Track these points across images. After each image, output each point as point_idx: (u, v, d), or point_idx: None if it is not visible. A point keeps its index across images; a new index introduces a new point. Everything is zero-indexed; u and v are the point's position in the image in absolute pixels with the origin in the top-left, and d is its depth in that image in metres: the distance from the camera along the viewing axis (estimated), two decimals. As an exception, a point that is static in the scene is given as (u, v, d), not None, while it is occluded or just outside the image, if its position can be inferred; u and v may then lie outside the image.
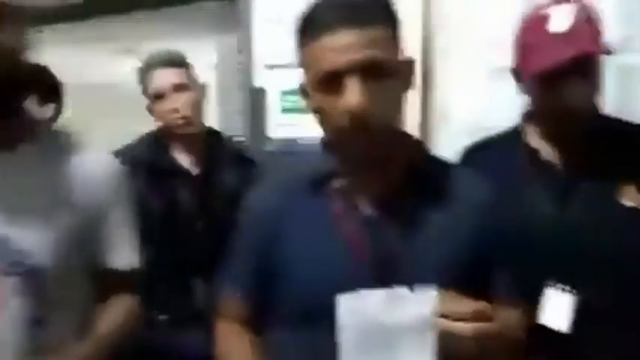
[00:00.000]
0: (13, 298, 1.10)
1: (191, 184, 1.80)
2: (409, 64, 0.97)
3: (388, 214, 0.96)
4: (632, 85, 1.74)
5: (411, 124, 1.97)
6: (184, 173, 1.82)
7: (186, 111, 1.77)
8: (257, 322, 1.07)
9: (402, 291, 0.84)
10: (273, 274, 1.01)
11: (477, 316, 0.80)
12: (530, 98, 1.36)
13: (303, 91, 1.00)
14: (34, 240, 1.09)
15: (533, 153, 1.35)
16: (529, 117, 1.40)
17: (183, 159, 1.84)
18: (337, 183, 0.98)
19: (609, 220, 1.26)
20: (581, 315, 1.25)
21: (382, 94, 0.87)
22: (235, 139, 2.15)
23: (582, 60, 1.21)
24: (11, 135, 1.13)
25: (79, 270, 1.20)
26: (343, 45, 0.85)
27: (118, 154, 1.80)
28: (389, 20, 0.92)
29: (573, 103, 1.23)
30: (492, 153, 1.43)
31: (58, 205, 1.13)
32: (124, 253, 1.25)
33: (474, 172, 1.12)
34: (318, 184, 0.99)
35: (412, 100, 1.97)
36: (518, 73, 1.35)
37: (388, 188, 0.97)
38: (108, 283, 1.26)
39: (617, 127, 1.37)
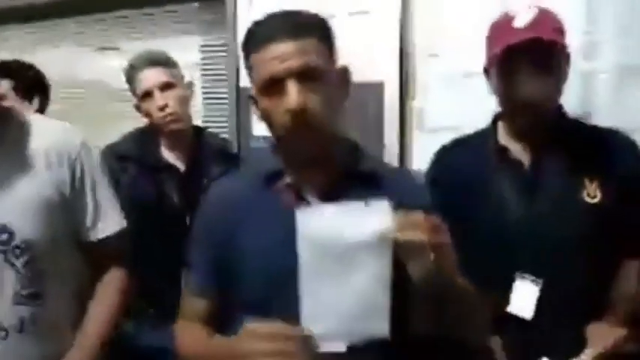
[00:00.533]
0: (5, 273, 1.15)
1: (178, 180, 1.85)
2: (344, 72, 1.10)
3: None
4: (595, 91, 1.83)
5: (389, 127, 2.06)
6: (171, 169, 1.87)
7: (173, 108, 1.82)
8: (216, 316, 1.13)
9: (356, 204, 0.87)
10: (230, 264, 1.08)
11: (431, 227, 0.86)
12: (495, 94, 1.43)
13: (252, 99, 1.11)
14: (15, 216, 1.15)
15: (502, 151, 1.42)
16: (499, 117, 1.48)
17: (171, 155, 1.89)
18: (287, 179, 1.09)
19: (573, 215, 1.34)
20: (544, 302, 1.33)
21: (318, 96, 0.99)
22: (221, 136, 2.22)
23: (541, 54, 1.29)
24: None
25: (66, 242, 1.25)
26: (281, 53, 0.98)
27: (107, 149, 1.86)
28: (323, 33, 1.04)
29: (529, 97, 1.30)
30: (464, 151, 1.51)
31: (31, 180, 1.18)
32: (106, 221, 1.30)
33: (415, 175, 1.34)
34: (270, 179, 1.10)
35: (391, 104, 2.05)
36: (487, 71, 1.44)
37: (330, 183, 1.08)
38: (95, 255, 1.30)
39: (581, 127, 1.46)
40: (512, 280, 1.37)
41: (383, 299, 0.88)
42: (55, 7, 2.80)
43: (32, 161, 1.19)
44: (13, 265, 1.15)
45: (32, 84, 2.08)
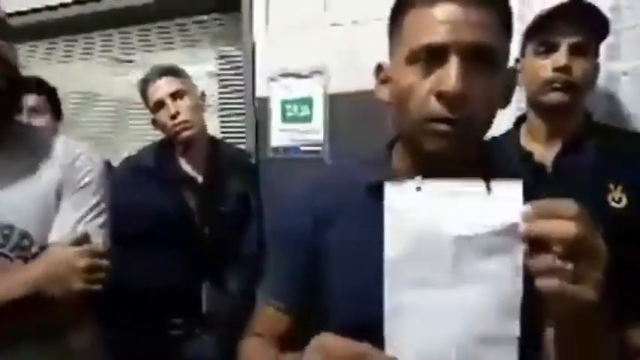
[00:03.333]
0: None
1: (196, 191, 1.86)
2: (513, 73, 0.89)
3: None
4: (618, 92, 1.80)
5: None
6: (190, 180, 1.88)
7: (184, 115, 1.85)
8: (297, 336, 0.91)
9: (475, 185, 0.63)
10: (319, 274, 0.91)
11: (578, 216, 0.61)
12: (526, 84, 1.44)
13: (380, 72, 0.90)
14: (26, 220, 1.15)
15: (526, 155, 1.41)
16: (522, 120, 1.47)
17: (188, 167, 1.90)
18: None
19: (598, 219, 1.31)
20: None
21: (485, 87, 0.76)
22: (238, 146, 2.22)
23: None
24: (4, 139, 1.19)
25: None
26: (452, 18, 0.76)
27: (125, 162, 1.88)
28: (505, 12, 0.81)
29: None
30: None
31: (35, 184, 1.18)
32: (62, 228, 1.20)
33: None
34: (373, 191, 0.79)
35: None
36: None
37: None
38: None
39: (605, 130, 1.44)
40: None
41: (508, 328, 0.63)
42: (71, 23, 2.84)
43: (38, 167, 1.20)
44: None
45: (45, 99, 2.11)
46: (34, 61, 3.00)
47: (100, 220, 1.23)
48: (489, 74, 0.77)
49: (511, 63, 1.49)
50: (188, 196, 1.84)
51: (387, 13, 0.87)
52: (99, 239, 1.21)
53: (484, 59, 0.76)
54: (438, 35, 0.75)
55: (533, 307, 0.64)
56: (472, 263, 0.62)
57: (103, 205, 1.24)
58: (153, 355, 1.68)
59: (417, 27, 0.78)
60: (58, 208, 1.19)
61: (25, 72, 2.28)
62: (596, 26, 1.35)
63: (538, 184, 1.36)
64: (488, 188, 0.63)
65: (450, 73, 0.74)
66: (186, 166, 1.90)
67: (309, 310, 0.93)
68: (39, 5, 2.76)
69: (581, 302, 0.60)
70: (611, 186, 1.32)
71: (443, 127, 0.75)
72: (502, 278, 0.62)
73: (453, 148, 0.75)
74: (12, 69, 1.17)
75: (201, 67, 2.56)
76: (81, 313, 1.20)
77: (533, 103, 1.42)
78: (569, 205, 0.61)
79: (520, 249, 0.61)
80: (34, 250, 1.15)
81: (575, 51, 1.33)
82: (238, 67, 2.47)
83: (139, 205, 1.67)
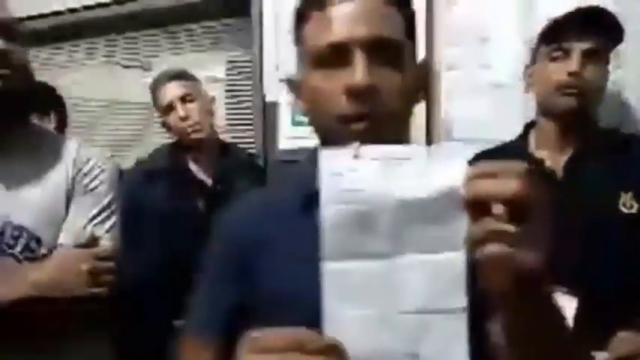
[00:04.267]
0: None
1: (206, 194, 1.87)
2: (425, 66, 0.87)
3: None
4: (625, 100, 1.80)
5: (415, 137, 2.04)
6: (199, 183, 1.90)
7: (194, 118, 1.88)
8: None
9: (416, 148, 0.61)
10: (254, 307, 0.82)
11: (519, 174, 0.54)
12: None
13: (291, 83, 0.89)
14: (35, 222, 1.16)
15: (538, 162, 1.41)
16: (531, 126, 1.47)
17: (198, 170, 1.92)
18: None
19: (609, 225, 1.31)
20: (581, 316, 1.30)
21: (393, 80, 0.75)
22: (247, 150, 2.23)
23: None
24: (18, 141, 1.20)
25: None
26: (351, 15, 0.75)
27: (136, 165, 1.90)
28: (406, 8, 0.80)
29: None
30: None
31: (46, 188, 1.19)
32: (71, 231, 1.20)
33: None
34: (309, 203, 0.76)
35: (418, 115, 2.04)
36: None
37: None
38: None
39: (615, 137, 1.44)
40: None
41: (455, 299, 0.58)
42: (80, 28, 2.86)
43: (49, 170, 1.21)
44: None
45: (47, 101, 2.12)
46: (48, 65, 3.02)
47: (109, 223, 1.23)
48: (396, 68, 0.75)
49: (519, 70, 1.52)
50: (198, 198, 1.86)
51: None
52: (107, 242, 1.21)
53: (389, 53, 0.75)
54: (339, 33, 0.74)
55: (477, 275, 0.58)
56: (413, 230, 0.58)
57: (112, 208, 1.25)
58: (160, 355, 1.68)
59: (317, 30, 0.77)
60: (67, 211, 1.20)
61: (49, 75, 2.31)
62: (609, 33, 1.36)
63: (548, 191, 1.37)
64: (428, 151, 0.59)
65: (356, 68, 0.72)
66: (195, 169, 1.92)
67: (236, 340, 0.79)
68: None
69: (526, 268, 0.54)
70: (622, 192, 1.32)
71: (357, 126, 0.73)
72: (446, 246, 0.58)
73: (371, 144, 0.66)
74: (25, 72, 1.18)
75: (211, 71, 2.58)
76: (84, 316, 1.18)
77: (544, 108, 1.42)
78: (510, 164, 0.56)
79: (462, 212, 0.55)
80: (43, 251, 1.16)
81: (587, 57, 1.34)
82: (247, 72, 2.49)
83: (149, 207, 1.68)
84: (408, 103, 0.80)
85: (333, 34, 0.75)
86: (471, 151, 0.59)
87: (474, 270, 0.57)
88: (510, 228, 0.53)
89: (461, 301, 0.59)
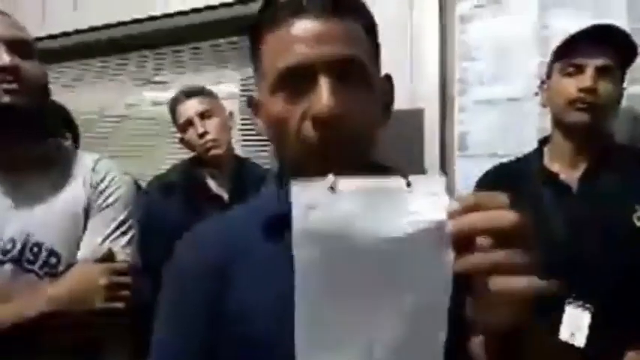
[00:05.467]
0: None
1: (222, 209, 1.88)
2: (388, 81, 0.81)
3: None
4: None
5: (430, 152, 2.05)
6: (216, 198, 1.92)
7: (213, 134, 1.90)
8: None
9: (394, 180, 0.55)
10: (220, 347, 0.73)
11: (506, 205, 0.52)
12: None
13: (252, 103, 0.82)
14: (54, 238, 1.17)
15: (550, 175, 1.42)
16: (546, 141, 1.48)
17: (215, 185, 1.94)
18: None
19: (623, 239, 1.32)
20: (596, 329, 1.30)
21: (359, 102, 0.69)
22: (262, 166, 2.25)
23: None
24: (37, 157, 1.22)
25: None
26: (313, 34, 0.68)
27: (153, 180, 1.92)
28: (368, 22, 0.75)
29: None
30: (508, 177, 1.51)
31: (66, 205, 1.20)
32: (89, 247, 1.20)
33: None
34: (274, 227, 0.72)
35: (432, 129, 2.05)
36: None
37: None
38: None
39: (629, 151, 1.46)
40: (561, 308, 1.34)
41: (435, 334, 0.54)
42: (99, 46, 2.92)
43: (66, 187, 1.22)
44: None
45: (60, 121, 2.14)
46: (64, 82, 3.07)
47: (126, 238, 1.24)
48: (363, 88, 0.70)
49: (534, 85, 1.53)
50: (215, 214, 1.87)
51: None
52: (125, 257, 1.21)
53: (355, 72, 0.69)
54: (301, 54, 0.67)
55: (463, 309, 0.55)
56: (394, 267, 0.53)
57: (130, 223, 1.25)
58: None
59: (276, 50, 0.70)
60: (85, 227, 1.21)
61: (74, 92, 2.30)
62: (624, 50, 1.37)
63: (563, 205, 1.38)
64: (409, 184, 0.54)
65: (321, 95, 0.66)
66: (213, 185, 1.94)
67: None
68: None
69: (526, 296, 0.51)
70: (637, 206, 1.33)
71: (326, 153, 0.68)
72: (430, 286, 0.53)
73: (337, 171, 0.58)
74: (41, 90, 1.19)
75: (226, 88, 2.61)
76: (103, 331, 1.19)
77: (558, 122, 1.44)
78: (495, 195, 0.53)
79: (448, 248, 0.52)
80: (61, 267, 1.16)
81: (601, 73, 1.35)
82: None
83: (166, 221, 1.70)
84: (378, 123, 0.74)
85: (295, 56, 0.68)
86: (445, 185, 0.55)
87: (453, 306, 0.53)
88: (519, 258, 0.51)
89: (441, 337, 0.54)
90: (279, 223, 0.60)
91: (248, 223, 0.77)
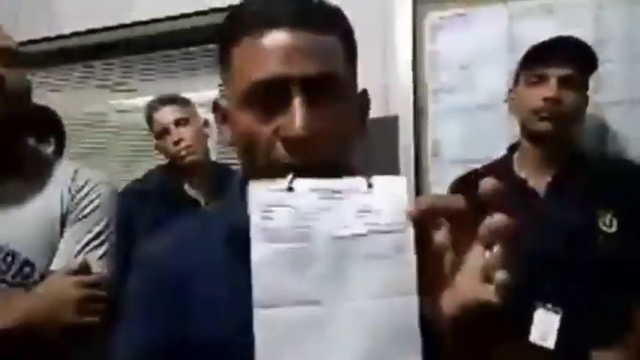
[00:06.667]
0: None
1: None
2: (364, 96, 0.78)
3: None
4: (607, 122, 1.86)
5: (405, 158, 2.09)
6: (193, 203, 1.93)
7: (188, 141, 1.92)
8: None
9: (354, 180, 0.54)
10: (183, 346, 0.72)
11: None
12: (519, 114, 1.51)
13: (218, 111, 0.77)
14: (29, 247, 1.15)
15: (521, 182, 1.46)
16: (515, 147, 1.52)
17: (192, 190, 1.95)
18: None
19: (590, 243, 1.36)
20: (564, 331, 1.34)
21: (335, 121, 0.66)
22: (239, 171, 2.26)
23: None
24: (13, 165, 1.20)
25: None
26: (288, 46, 0.64)
27: (128, 187, 1.92)
28: (347, 35, 0.72)
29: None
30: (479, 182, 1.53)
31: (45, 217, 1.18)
32: (64, 257, 1.18)
33: None
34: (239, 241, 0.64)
35: (406, 136, 2.08)
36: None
37: None
38: None
39: (595, 158, 1.51)
40: (530, 310, 1.37)
41: (406, 352, 0.52)
42: (77, 52, 2.89)
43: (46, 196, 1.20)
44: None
45: (47, 125, 2.13)
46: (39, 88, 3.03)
47: (102, 249, 1.20)
48: (338, 102, 0.66)
49: (502, 92, 1.58)
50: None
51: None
52: (99, 269, 1.18)
53: (331, 87, 0.65)
54: (273, 70, 0.64)
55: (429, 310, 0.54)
56: (356, 272, 0.52)
57: (106, 235, 1.22)
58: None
59: (247, 60, 0.66)
60: (62, 237, 1.18)
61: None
62: (585, 61, 1.41)
63: (531, 210, 1.42)
64: (370, 184, 0.54)
65: (294, 115, 0.62)
66: (190, 190, 1.96)
67: None
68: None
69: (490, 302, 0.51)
70: (602, 211, 1.37)
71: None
72: (393, 289, 0.52)
73: None
74: (20, 98, 1.17)
75: (203, 94, 2.60)
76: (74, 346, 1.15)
77: (525, 130, 1.48)
78: (454, 197, 0.53)
79: (410, 249, 0.51)
80: (36, 277, 1.14)
81: (564, 83, 1.39)
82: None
83: (143, 227, 1.70)
84: (353, 137, 0.71)
85: (268, 70, 0.64)
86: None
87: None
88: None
89: (415, 352, 0.52)
90: (241, 235, 0.56)
91: (211, 233, 0.75)
